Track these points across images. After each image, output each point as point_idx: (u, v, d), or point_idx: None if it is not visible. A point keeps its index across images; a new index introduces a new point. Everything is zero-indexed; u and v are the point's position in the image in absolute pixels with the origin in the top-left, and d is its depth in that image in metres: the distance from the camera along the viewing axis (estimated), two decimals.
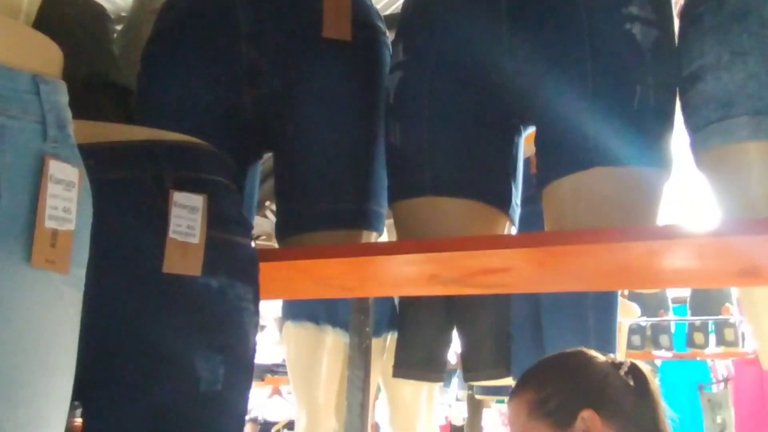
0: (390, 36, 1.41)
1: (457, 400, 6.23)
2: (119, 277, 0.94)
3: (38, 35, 0.80)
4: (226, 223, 1.03)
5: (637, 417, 1.39)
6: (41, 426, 0.73)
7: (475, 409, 3.45)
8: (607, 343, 2.00)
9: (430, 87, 1.26)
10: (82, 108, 0.87)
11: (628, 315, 4.05)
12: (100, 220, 0.83)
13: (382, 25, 1.43)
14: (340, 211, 1.32)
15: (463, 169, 1.24)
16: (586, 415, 1.36)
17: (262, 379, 5.17)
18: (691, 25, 1.15)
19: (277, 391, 5.92)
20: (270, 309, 4.52)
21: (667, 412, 1.43)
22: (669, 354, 5.09)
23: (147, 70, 1.38)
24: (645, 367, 1.47)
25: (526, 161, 1.40)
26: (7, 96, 0.73)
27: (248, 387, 1.03)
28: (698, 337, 5.16)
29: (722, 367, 5.54)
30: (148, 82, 1.38)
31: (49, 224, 0.74)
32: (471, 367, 2.53)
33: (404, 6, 1.37)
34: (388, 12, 2.50)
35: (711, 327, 5.17)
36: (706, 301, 5.36)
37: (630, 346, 4.93)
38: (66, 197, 0.76)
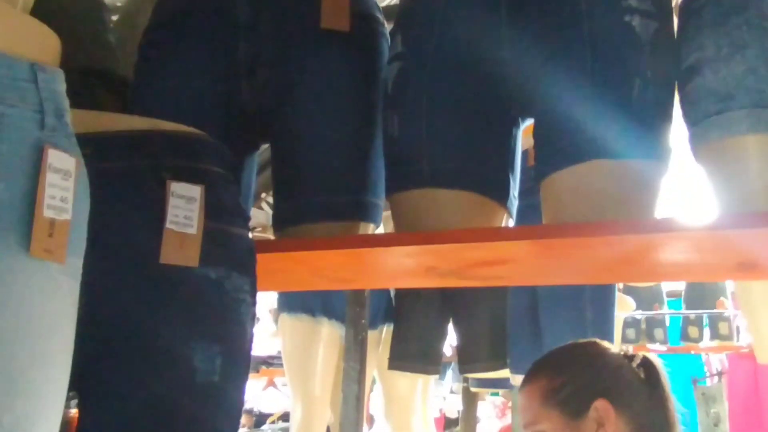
0: (388, 27, 1.41)
1: (452, 392, 6.24)
2: (116, 268, 0.94)
3: (36, 23, 0.80)
4: (223, 213, 1.02)
5: (648, 409, 1.39)
6: (39, 416, 0.73)
7: (469, 401, 3.46)
8: (604, 336, 1.99)
9: (428, 78, 1.25)
10: (79, 97, 0.87)
11: (623, 308, 4.07)
12: (97, 209, 0.83)
13: (380, 16, 1.43)
14: (337, 203, 1.32)
15: (461, 161, 1.24)
16: (600, 405, 1.37)
17: (258, 371, 5.18)
18: (691, 18, 1.15)
19: (272, 383, 5.93)
20: (265, 300, 4.52)
21: (676, 406, 1.43)
22: (663, 347, 5.11)
23: (144, 60, 1.38)
24: (657, 361, 1.47)
25: (524, 153, 1.40)
26: (4, 84, 0.73)
27: (245, 379, 1.03)
28: (693, 331, 5.17)
29: (716, 361, 5.56)
30: (145, 72, 1.37)
31: (47, 214, 0.73)
32: (467, 360, 2.53)
33: None
34: (386, 3, 2.49)
35: (705, 321, 5.18)
36: (701, 295, 5.38)
37: (624, 339, 4.95)
38: (63, 186, 0.76)
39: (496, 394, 5.85)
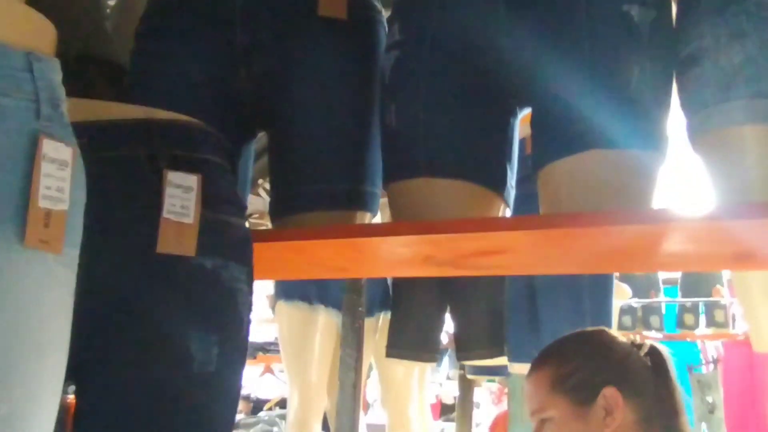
0: (386, 14, 1.40)
1: (448, 378, 6.27)
2: (113, 258, 0.94)
3: (31, 12, 0.79)
4: (220, 203, 1.02)
5: (655, 397, 1.40)
6: (36, 406, 0.73)
7: (466, 388, 3.46)
8: (602, 324, 2.00)
9: (426, 67, 1.25)
10: (75, 85, 0.86)
11: (619, 296, 4.07)
12: (94, 199, 0.82)
13: (377, 4, 1.42)
14: (334, 192, 1.32)
15: (459, 150, 1.24)
16: (608, 393, 1.37)
17: (255, 358, 5.19)
18: (690, 7, 1.14)
19: (269, 370, 5.94)
20: (262, 287, 4.51)
21: (683, 396, 1.44)
22: (659, 335, 5.12)
23: (141, 48, 1.37)
24: (664, 350, 1.47)
25: (521, 142, 1.39)
26: None
27: (242, 368, 1.03)
28: (688, 318, 5.19)
29: (712, 349, 5.58)
30: (141, 59, 1.36)
31: (43, 204, 0.73)
32: (465, 347, 2.53)
33: None
34: None
35: (701, 308, 5.20)
36: (697, 283, 5.39)
37: (621, 326, 4.96)
38: (59, 177, 0.75)
39: (492, 380, 5.87)
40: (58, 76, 0.79)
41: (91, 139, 0.91)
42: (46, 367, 0.74)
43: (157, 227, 0.94)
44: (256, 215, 3.65)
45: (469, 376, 3.22)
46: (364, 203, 1.35)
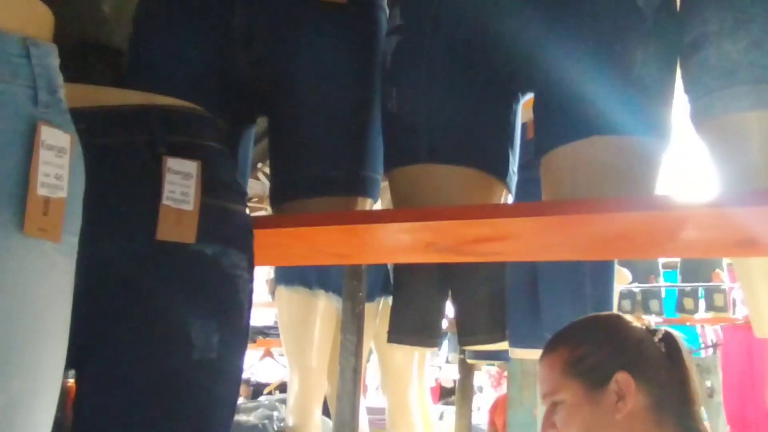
0: None
1: (448, 362, 6.28)
2: (112, 245, 0.93)
3: None
4: (220, 189, 1.01)
5: (668, 384, 1.39)
6: (36, 395, 0.73)
7: (466, 371, 3.47)
8: (604, 310, 2.00)
9: (427, 52, 1.24)
10: (73, 71, 0.85)
11: (619, 280, 4.06)
12: (92, 186, 0.82)
13: None
14: (335, 178, 1.31)
15: (461, 136, 1.23)
16: (621, 378, 1.37)
17: (254, 341, 5.19)
18: None
19: (269, 354, 5.94)
20: (262, 271, 4.51)
21: (697, 384, 1.43)
22: (659, 319, 5.12)
23: (139, 32, 1.36)
24: (678, 336, 1.47)
25: (523, 126, 1.38)
26: None
27: (242, 354, 1.03)
28: (688, 303, 5.19)
29: (711, 333, 5.59)
30: (140, 44, 1.35)
31: (41, 192, 0.72)
32: (466, 332, 2.53)
33: None
34: None
35: (701, 293, 5.20)
36: (697, 267, 5.39)
37: (620, 310, 4.95)
38: (58, 164, 0.75)
39: (492, 364, 5.88)
40: (55, 62, 0.78)
41: (90, 126, 0.90)
42: (46, 356, 0.74)
43: (157, 214, 0.93)
44: (256, 199, 3.65)
45: (469, 361, 3.22)
46: (365, 189, 1.34)
